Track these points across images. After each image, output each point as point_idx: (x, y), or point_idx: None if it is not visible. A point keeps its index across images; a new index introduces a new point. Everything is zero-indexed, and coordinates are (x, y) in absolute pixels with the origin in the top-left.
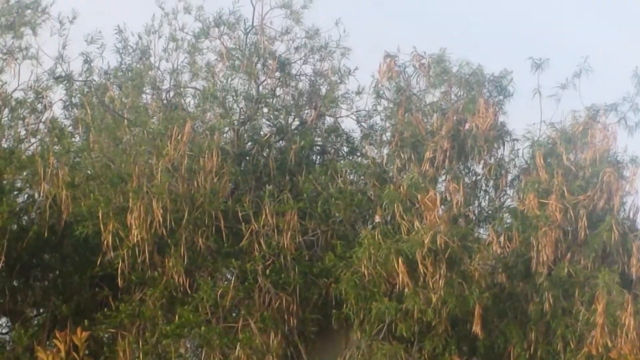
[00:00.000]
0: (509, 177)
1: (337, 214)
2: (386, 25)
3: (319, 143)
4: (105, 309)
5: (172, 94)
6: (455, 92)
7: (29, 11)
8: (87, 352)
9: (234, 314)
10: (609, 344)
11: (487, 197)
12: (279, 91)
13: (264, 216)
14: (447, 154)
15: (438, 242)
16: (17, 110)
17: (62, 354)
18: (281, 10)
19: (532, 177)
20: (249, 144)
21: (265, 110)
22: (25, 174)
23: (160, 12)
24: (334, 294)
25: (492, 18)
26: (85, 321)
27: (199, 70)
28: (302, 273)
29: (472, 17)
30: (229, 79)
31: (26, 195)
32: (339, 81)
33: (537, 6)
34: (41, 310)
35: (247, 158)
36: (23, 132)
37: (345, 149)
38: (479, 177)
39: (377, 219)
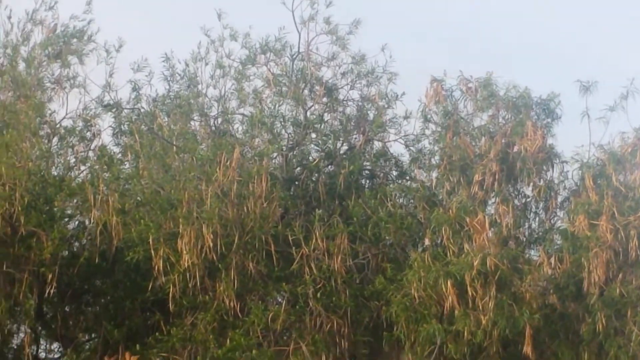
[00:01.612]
0: (559, 199)
1: (387, 237)
2: (431, 50)
3: (368, 167)
4: (157, 334)
5: (220, 120)
6: (502, 115)
7: (74, 40)
8: None
9: (285, 337)
10: None
11: (537, 219)
12: (326, 116)
13: (314, 240)
14: (496, 176)
15: (487, 264)
16: (66, 138)
17: None
18: (327, 37)
19: (582, 199)
20: (298, 169)
21: (314, 135)
22: (75, 201)
23: (206, 39)
24: (384, 317)
25: (538, 41)
26: (137, 346)
27: (247, 97)
28: (353, 296)
29: (517, 40)
30: (277, 105)
31: (77, 222)
32: (386, 106)
33: (582, 28)
34: (93, 336)
35: (297, 183)
36: (73, 160)
37: (394, 173)
38: (528, 200)
39: (427, 241)
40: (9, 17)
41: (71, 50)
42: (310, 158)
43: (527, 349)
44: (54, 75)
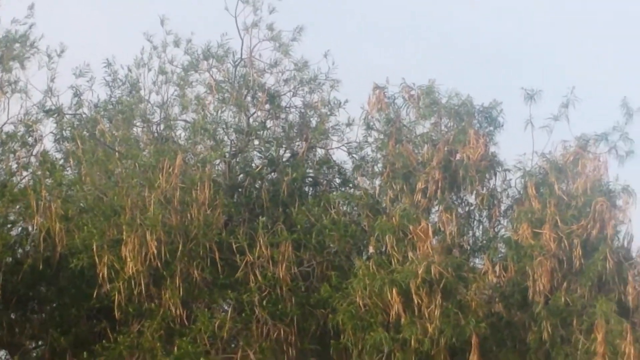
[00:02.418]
0: (502, 207)
1: (331, 245)
2: (374, 55)
3: (311, 175)
4: (104, 341)
5: (162, 126)
6: (445, 123)
7: (17, 45)
8: None
9: (232, 345)
10: None
11: (481, 227)
12: (269, 123)
13: (258, 247)
14: (439, 184)
15: (432, 273)
16: (7, 143)
17: None
18: (270, 43)
19: (525, 207)
20: (241, 176)
21: (256, 142)
22: (18, 207)
23: (149, 45)
24: (331, 325)
25: (481, 48)
26: (84, 353)
27: (189, 103)
28: (299, 304)
29: (461, 47)
30: (219, 112)
31: (20, 228)
32: (329, 113)
33: (526, 35)
34: (40, 343)
35: (240, 190)
36: (14, 166)
37: (338, 180)
38: (472, 208)
39: (371, 249)
40: None
41: (13, 55)
42: (253, 165)
43: (474, 358)
44: None
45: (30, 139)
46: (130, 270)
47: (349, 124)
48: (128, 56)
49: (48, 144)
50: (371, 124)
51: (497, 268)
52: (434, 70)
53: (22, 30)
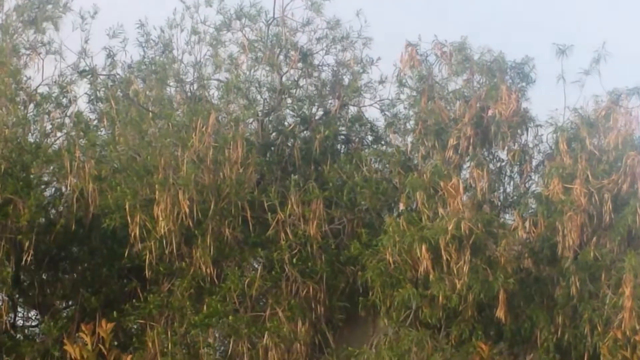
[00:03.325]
0: (534, 163)
1: (362, 203)
2: (406, 13)
3: (344, 132)
4: (134, 300)
5: (195, 86)
6: (477, 80)
7: (50, 6)
8: (115, 343)
9: (261, 303)
10: (637, 327)
11: (512, 183)
12: (302, 82)
13: (289, 205)
14: (471, 140)
15: (462, 229)
16: (42, 105)
17: (89, 346)
18: (302, 2)
19: (556, 163)
20: (274, 134)
21: (289, 100)
22: (52, 167)
23: (181, 5)
24: (360, 282)
25: (512, 5)
26: (114, 313)
27: (222, 63)
28: (329, 261)
29: (492, 4)
30: (252, 71)
31: (53, 189)
32: (361, 71)
33: None
34: (70, 303)
35: (272, 148)
36: (49, 127)
37: (370, 137)
38: (503, 164)
39: (402, 206)
40: None
41: (46, 17)
42: (286, 123)
43: (502, 313)
44: (29, 41)
45: (64, 100)
46: (162, 230)
47: (381, 82)
48: (161, 17)
49: (82, 105)
50: (403, 81)
51: (527, 224)
52: (465, 29)
53: None
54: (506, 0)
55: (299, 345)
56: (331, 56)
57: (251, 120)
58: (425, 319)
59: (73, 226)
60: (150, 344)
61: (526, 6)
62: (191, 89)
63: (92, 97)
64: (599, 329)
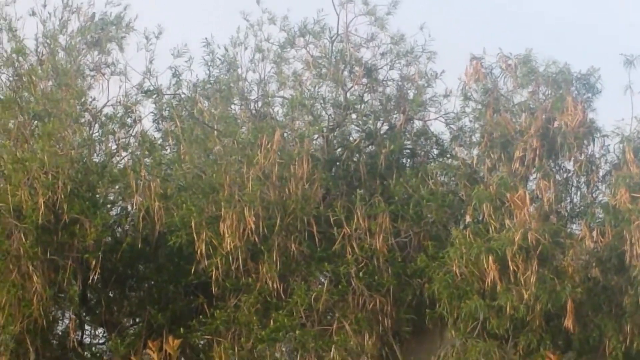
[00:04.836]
0: (600, 173)
1: (428, 215)
2: (469, 27)
3: (409, 146)
4: (201, 316)
5: (260, 103)
6: (542, 92)
7: (113, 27)
8: (183, 359)
9: (328, 317)
10: None
11: (578, 193)
12: (366, 97)
13: (355, 220)
14: (537, 152)
15: (529, 239)
16: (107, 125)
17: None
18: (365, 18)
19: (623, 172)
20: (339, 150)
21: (354, 116)
22: (117, 187)
23: (245, 23)
24: (427, 294)
25: (575, 17)
26: (181, 329)
27: (286, 80)
28: (395, 274)
29: (554, 17)
30: (317, 87)
31: (119, 208)
32: (426, 85)
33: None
34: (137, 320)
35: (338, 164)
36: (114, 147)
37: (435, 151)
38: (569, 174)
39: (468, 218)
40: (45, 6)
41: (110, 37)
42: (351, 138)
43: (569, 323)
44: (94, 62)
45: (129, 119)
46: (228, 246)
47: (446, 95)
48: (225, 35)
49: (147, 124)
50: (468, 94)
51: (594, 233)
52: (528, 42)
53: (117, 11)
54: (569, 12)
55: (366, 358)
56: (395, 71)
57: (316, 136)
58: (492, 330)
59: (139, 244)
60: None
61: (589, 16)
62: (256, 106)
63: (157, 117)
64: None
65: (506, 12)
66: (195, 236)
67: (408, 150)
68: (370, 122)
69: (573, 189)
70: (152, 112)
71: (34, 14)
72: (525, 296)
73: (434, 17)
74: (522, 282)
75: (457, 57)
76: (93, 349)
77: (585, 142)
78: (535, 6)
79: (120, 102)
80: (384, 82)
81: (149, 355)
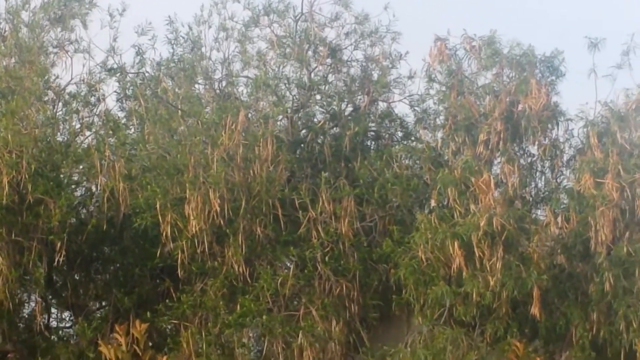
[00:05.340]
0: (565, 158)
1: (393, 200)
2: (434, 7)
3: (373, 128)
4: (167, 300)
5: (224, 83)
6: (507, 74)
7: (76, 3)
8: (150, 344)
9: (295, 302)
10: None
11: (543, 178)
12: (331, 78)
13: (320, 203)
14: (501, 135)
15: (494, 225)
16: (70, 103)
17: (123, 347)
18: None
19: (587, 157)
20: (303, 131)
21: (318, 97)
22: (81, 167)
23: (209, 1)
24: (393, 280)
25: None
26: (148, 313)
27: (251, 59)
28: (361, 259)
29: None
30: (281, 67)
31: (84, 189)
32: (390, 66)
33: None
34: (103, 303)
35: (302, 145)
36: (78, 126)
37: (400, 133)
38: (534, 159)
39: (433, 203)
40: None
41: (73, 14)
42: (315, 120)
43: (536, 310)
44: (57, 39)
45: (93, 98)
46: (193, 229)
47: (410, 77)
48: (189, 13)
49: (111, 103)
50: (433, 76)
51: (559, 219)
52: (493, 21)
53: None
54: None
55: (333, 344)
56: (360, 51)
57: (280, 117)
58: (459, 317)
59: (104, 226)
60: (184, 345)
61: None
62: (220, 86)
63: (121, 96)
64: (635, 325)
65: None
66: (160, 218)
67: (372, 133)
68: (335, 103)
69: (537, 173)
70: (115, 91)
71: None
72: (491, 283)
73: None
74: (488, 268)
75: (422, 37)
76: (60, 332)
77: (550, 126)
78: None
79: (84, 80)
80: (348, 62)
81: (117, 340)
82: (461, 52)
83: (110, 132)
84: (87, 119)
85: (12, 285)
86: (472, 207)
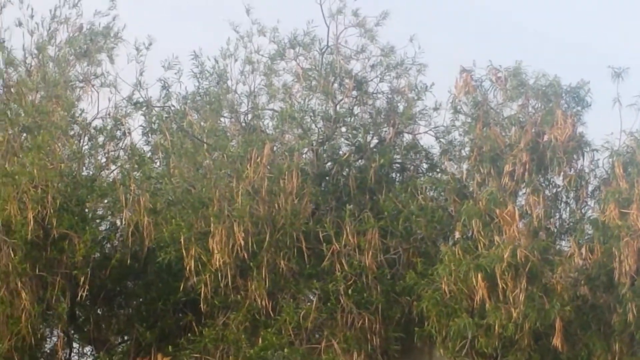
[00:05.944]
0: (590, 188)
1: (418, 232)
2: (459, 40)
3: (398, 160)
4: (189, 334)
5: (250, 116)
6: (532, 105)
7: (101, 38)
8: None
9: (317, 335)
10: None
11: (568, 209)
12: (356, 110)
13: (345, 236)
14: (527, 166)
15: (518, 257)
16: (96, 137)
17: None
18: (355, 29)
19: (612, 187)
20: (329, 163)
21: (344, 129)
22: (106, 201)
23: (235, 35)
24: (416, 312)
25: (566, 31)
26: (170, 347)
27: (276, 92)
28: (384, 292)
29: (545, 31)
30: (306, 100)
31: (108, 223)
32: (416, 98)
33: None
34: (125, 338)
35: (327, 178)
36: (103, 160)
37: (425, 165)
38: (559, 189)
39: (457, 235)
40: (32, 16)
41: (99, 48)
42: (341, 152)
43: (558, 341)
44: (83, 73)
45: (118, 132)
46: (217, 262)
47: (436, 108)
48: (215, 47)
49: (136, 137)
50: (458, 107)
51: (583, 250)
52: (519, 55)
53: (105, 22)
54: (556, 24)
55: None
56: (385, 83)
57: (306, 150)
58: (481, 349)
59: (128, 260)
60: None
61: (576, 29)
62: (245, 119)
63: (146, 130)
64: None
65: (498, 24)
66: (184, 252)
67: (398, 165)
68: (360, 135)
69: (562, 204)
70: (141, 125)
71: (20, 24)
72: (514, 314)
73: (424, 29)
74: (511, 300)
75: (447, 69)
76: None
77: (575, 156)
78: (524, 20)
79: (109, 114)
80: (373, 94)
81: None
82: (487, 83)
83: (136, 166)
84: (113, 153)
85: (35, 320)
86: (497, 238)
